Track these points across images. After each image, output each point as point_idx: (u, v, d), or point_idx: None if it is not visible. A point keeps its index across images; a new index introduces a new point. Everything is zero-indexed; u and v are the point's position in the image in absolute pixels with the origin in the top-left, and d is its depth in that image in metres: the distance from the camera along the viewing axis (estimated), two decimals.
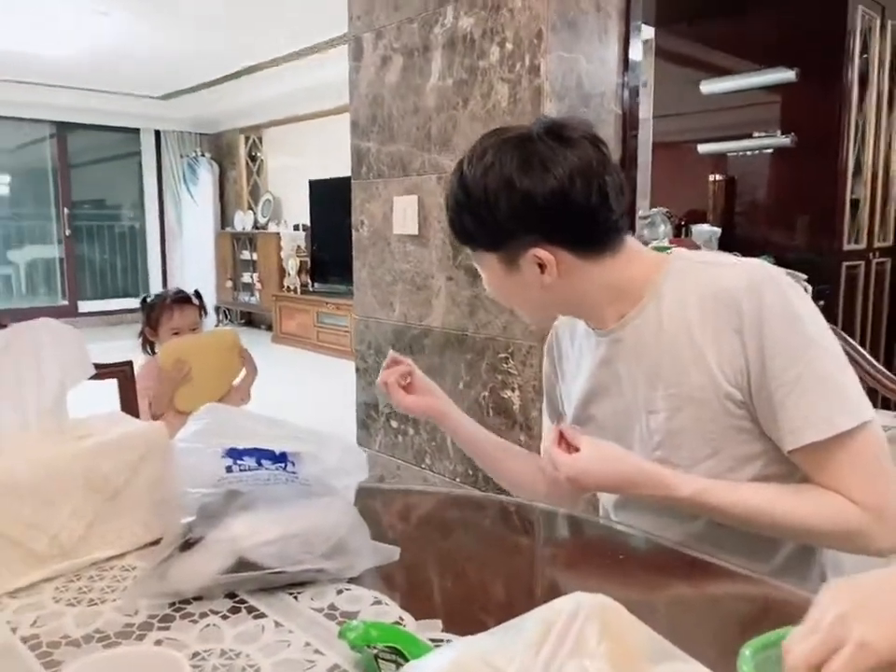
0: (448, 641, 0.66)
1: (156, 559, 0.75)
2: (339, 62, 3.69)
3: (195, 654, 0.64)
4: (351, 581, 0.78)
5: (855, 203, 3.26)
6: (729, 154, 3.49)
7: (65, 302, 8.07)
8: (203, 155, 8.59)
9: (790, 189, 3.29)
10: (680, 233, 3.45)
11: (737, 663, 0.50)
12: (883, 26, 3.27)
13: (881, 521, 0.88)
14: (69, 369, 0.87)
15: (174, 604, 0.73)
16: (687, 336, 0.95)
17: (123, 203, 8.74)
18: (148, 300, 2.33)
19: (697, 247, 3.07)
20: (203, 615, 0.71)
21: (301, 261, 7.24)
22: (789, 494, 0.92)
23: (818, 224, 3.18)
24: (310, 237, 7.18)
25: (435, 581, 0.87)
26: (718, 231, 3.34)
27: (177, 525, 0.76)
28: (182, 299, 2.29)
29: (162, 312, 2.26)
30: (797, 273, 2.49)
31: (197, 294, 2.35)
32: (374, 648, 0.59)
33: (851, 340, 1.27)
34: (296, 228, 7.53)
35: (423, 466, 2.34)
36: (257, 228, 8.03)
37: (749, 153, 3.42)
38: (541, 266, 0.97)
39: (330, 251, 6.65)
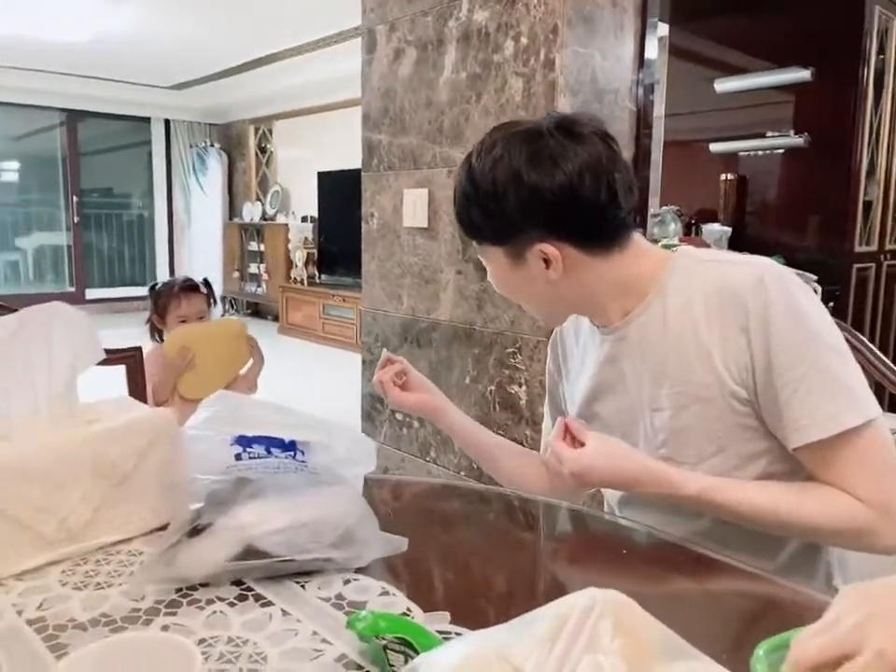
0: (456, 634, 0.65)
1: (163, 545, 0.75)
2: (351, 54, 3.68)
3: (202, 641, 0.64)
4: (358, 570, 0.77)
5: (868, 205, 3.24)
6: (741, 153, 3.47)
7: (72, 289, 8.09)
8: (212, 145, 8.59)
9: (802, 190, 3.27)
10: (691, 232, 3.44)
11: (751, 662, 0.50)
12: None
13: (887, 518, 0.87)
14: (80, 353, 0.86)
15: (180, 590, 0.73)
16: (692, 334, 0.95)
17: (132, 191, 8.75)
18: (157, 287, 2.33)
19: (707, 246, 3.06)
20: (210, 602, 0.71)
21: (308, 253, 7.24)
22: (794, 492, 0.92)
23: (829, 225, 3.16)
24: (317, 229, 7.18)
25: (442, 573, 0.87)
26: (728, 230, 3.33)
27: (186, 511, 0.76)
28: (190, 287, 2.29)
29: (170, 299, 2.26)
30: (808, 274, 2.47)
31: (206, 283, 2.35)
32: (383, 639, 0.58)
33: (860, 335, 1.26)
34: (304, 219, 7.53)
35: (427, 459, 2.34)
36: (265, 219, 8.03)
37: (761, 153, 3.40)
38: (547, 261, 0.97)
39: (338, 243, 6.66)
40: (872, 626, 0.47)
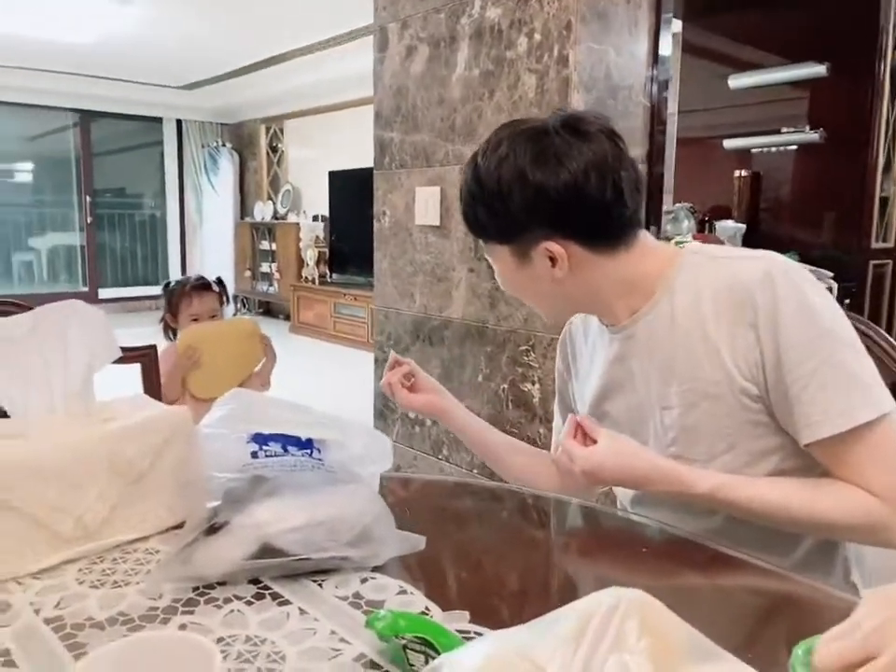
0: (475, 633, 0.65)
1: (180, 543, 0.74)
2: (362, 53, 3.69)
3: (220, 640, 0.64)
4: (375, 569, 0.77)
5: (884, 201, 3.20)
6: (754, 150, 3.44)
7: (86, 289, 8.14)
8: (224, 145, 8.62)
9: (817, 186, 3.24)
10: (704, 229, 3.42)
11: (790, 662, 0.49)
12: None
13: None
14: (96, 351, 0.86)
15: (197, 588, 0.73)
16: (701, 331, 0.94)
17: (144, 191, 8.79)
18: (170, 285, 2.34)
19: (721, 243, 3.04)
20: (228, 600, 0.71)
21: (319, 252, 7.25)
22: (807, 488, 0.91)
23: (845, 221, 3.13)
24: (329, 228, 7.19)
25: (460, 572, 0.86)
26: (742, 227, 3.30)
27: (202, 509, 0.75)
28: (202, 285, 2.30)
29: (182, 298, 2.27)
30: (823, 270, 2.45)
31: (219, 281, 2.36)
32: (403, 638, 0.58)
33: (876, 326, 1.23)
34: (315, 219, 7.54)
35: (440, 457, 2.33)
36: (276, 218, 8.05)
37: (774, 149, 3.37)
38: (552, 259, 0.97)
39: (349, 242, 6.67)
40: (892, 629, 0.46)
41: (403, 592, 0.73)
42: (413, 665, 0.58)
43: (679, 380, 0.96)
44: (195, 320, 2.27)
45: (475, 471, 2.21)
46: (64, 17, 5.23)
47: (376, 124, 2.45)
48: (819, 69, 3.09)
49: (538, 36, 1.90)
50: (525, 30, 1.94)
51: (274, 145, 8.41)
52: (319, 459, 0.79)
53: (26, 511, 0.76)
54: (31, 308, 0.94)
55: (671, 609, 0.47)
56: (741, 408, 0.93)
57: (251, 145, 8.58)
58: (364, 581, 0.75)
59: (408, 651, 0.58)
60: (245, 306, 8.48)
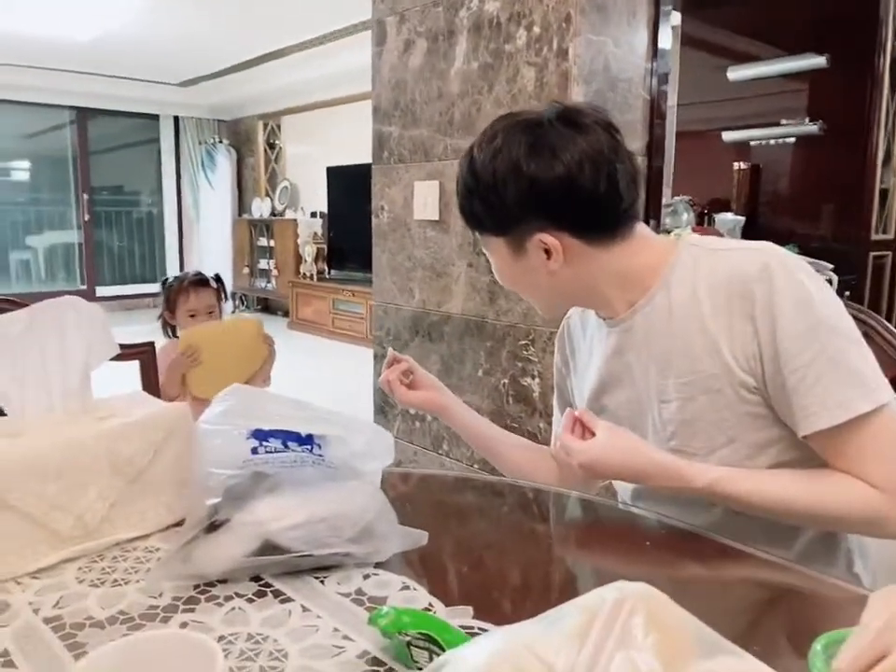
0: (480, 629, 0.64)
1: (180, 541, 0.74)
2: (359, 48, 3.67)
3: (221, 638, 0.63)
4: (378, 565, 0.76)
5: (884, 193, 3.20)
6: (754, 142, 3.44)
7: (84, 287, 8.11)
8: (221, 142, 8.59)
9: (816, 178, 3.24)
10: (703, 222, 3.41)
11: (809, 656, 0.49)
12: None
13: None
14: (93, 348, 0.85)
15: (198, 586, 0.72)
16: (698, 323, 0.94)
17: (142, 189, 8.76)
18: (168, 281, 2.33)
19: (721, 236, 3.03)
20: (229, 598, 0.70)
21: (317, 248, 7.24)
22: (806, 480, 0.90)
23: (845, 213, 3.13)
24: (327, 224, 7.17)
25: (462, 567, 0.86)
26: (742, 220, 3.29)
27: (202, 506, 0.75)
28: (199, 281, 2.29)
29: (179, 294, 2.25)
30: (823, 263, 2.45)
31: (217, 278, 2.34)
32: (406, 635, 0.57)
33: (876, 315, 1.22)
34: (313, 215, 7.52)
35: (440, 452, 2.33)
36: (274, 215, 8.02)
37: (773, 141, 3.36)
38: (548, 252, 0.96)
39: (347, 238, 6.65)
40: None
41: (406, 588, 0.72)
42: (416, 662, 0.57)
43: (677, 373, 0.96)
44: (192, 316, 2.25)
45: (476, 466, 2.20)
46: (61, 14, 5.21)
47: (374, 119, 2.44)
48: (818, 61, 3.09)
49: (537, 29, 1.89)
50: (524, 23, 1.93)
51: (272, 141, 8.38)
52: (320, 455, 0.78)
53: (24, 510, 0.75)
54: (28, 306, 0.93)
55: (677, 602, 0.47)
56: (739, 400, 0.92)
57: (248, 141, 8.55)
58: (366, 577, 0.74)
59: (412, 647, 0.57)
60: (243, 303, 8.46)
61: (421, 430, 2.39)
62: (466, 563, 0.87)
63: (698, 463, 0.93)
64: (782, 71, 3.25)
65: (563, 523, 1.05)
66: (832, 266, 2.52)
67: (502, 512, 1.04)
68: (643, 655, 0.43)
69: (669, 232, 2.65)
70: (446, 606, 0.68)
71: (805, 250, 2.88)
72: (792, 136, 3.29)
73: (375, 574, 0.75)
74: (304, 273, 7.31)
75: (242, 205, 8.58)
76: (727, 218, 3.31)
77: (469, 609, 0.67)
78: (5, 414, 0.82)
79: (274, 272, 7.77)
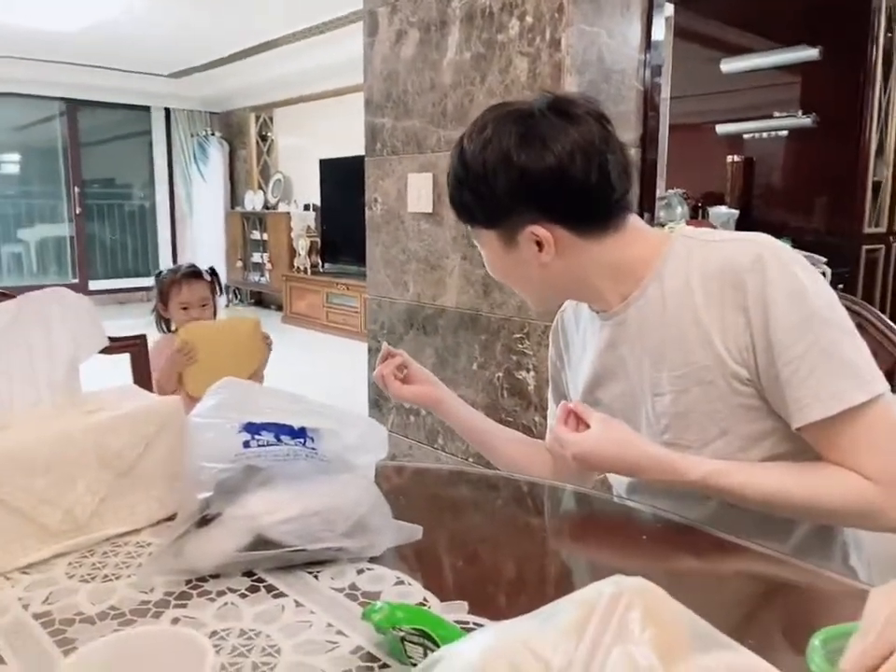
0: (475, 624, 0.63)
1: (172, 535, 0.73)
2: (351, 40, 3.64)
3: (213, 633, 0.62)
4: (371, 560, 0.76)
5: (877, 186, 3.20)
6: (747, 135, 3.43)
7: (76, 281, 8.07)
8: (213, 134, 8.54)
9: (809, 171, 3.24)
10: (697, 215, 3.41)
11: (807, 651, 0.48)
12: None
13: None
14: (81, 340, 0.84)
15: (190, 581, 0.71)
16: (692, 315, 0.93)
17: (133, 181, 8.71)
18: (161, 274, 2.31)
19: (714, 229, 3.03)
20: (221, 593, 0.69)
21: (311, 241, 7.21)
22: (800, 472, 0.90)
23: (838, 206, 3.13)
24: (320, 217, 7.15)
25: (457, 561, 0.85)
26: (735, 213, 3.29)
27: (194, 500, 0.74)
28: (191, 273, 2.27)
29: (172, 286, 2.24)
30: (817, 255, 2.44)
31: (212, 271, 2.32)
32: (401, 630, 0.56)
33: (869, 305, 1.22)
34: (306, 208, 7.50)
35: (435, 446, 2.32)
36: (267, 208, 7.99)
37: (766, 134, 3.36)
38: (539, 244, 0.95)
39: (340, 231, 6.63)
40: None
41: (401, 583, 0.71)
42: (411, 658, 0.57)
43: (671, 366, 0.95)
44: (185, 309, 2.23)
45: (470, 460, 2.20)
46: (50, 4, 5.16)
47: (367, 110, 2.42)
48: (811, 53, 3.08)
49: (529, 19, 1.88)
50: (516, 13, 1.91)
51: (264, 133, 8.34)
52: (313, 448, 0.78)
53: (13, 505, 0.74)
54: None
55: (670, 595, 0.46)
56: (732, 392, 0.92)
57: (240, 133, 8.51)
58: (360, 572, 0.74)
59: (406, 643, 0.57)
60: (237, 297, 8.43)
61: (416, 424, 2.38)
62: (460, 557, 0.86)
63: (692, 456, 0.93)
64: (775, 63, 3.24)
65: (558, 516, 1.05)
66: (825, 259, 2.52)
67: (497, 506, 1.03)
68: (641, 650, 0.42)
69: (664, 226, 2.65)
70: (441, 601, 0.68)
71: (798, 243, 2.87)
72: (785, 129, 3.29)
73: (369, 569, 0.74)
74: (298, 267, 7.29)
75: (234, 198, 8.54)
76: (721, 212, 3.31)
77: (464, 604, 0.66)
78: None
79: (268, 265, 7.74)
